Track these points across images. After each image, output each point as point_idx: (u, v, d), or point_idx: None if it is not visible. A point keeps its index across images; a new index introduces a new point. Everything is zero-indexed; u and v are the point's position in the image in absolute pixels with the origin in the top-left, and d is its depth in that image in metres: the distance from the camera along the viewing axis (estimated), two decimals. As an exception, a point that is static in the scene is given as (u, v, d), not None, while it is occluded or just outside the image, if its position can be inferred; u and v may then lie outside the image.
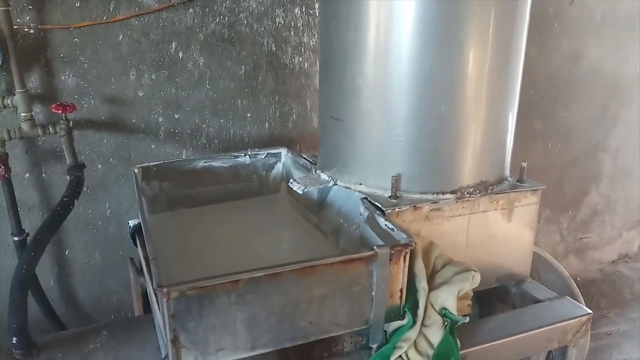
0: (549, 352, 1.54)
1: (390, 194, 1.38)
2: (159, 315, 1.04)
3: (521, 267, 1.57)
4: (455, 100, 1.36)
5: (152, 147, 1.97)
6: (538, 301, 1.49)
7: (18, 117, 1.68)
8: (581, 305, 1.49)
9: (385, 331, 1.23)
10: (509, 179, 1.55)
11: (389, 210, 1.32)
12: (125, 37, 1.86)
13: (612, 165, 3.23)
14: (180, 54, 1.94)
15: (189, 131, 2.02)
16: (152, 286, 1.12)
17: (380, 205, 1.34)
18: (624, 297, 3.29)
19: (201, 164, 1.73)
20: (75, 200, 1.52)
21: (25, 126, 1.68)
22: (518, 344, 1.35)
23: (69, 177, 1.64)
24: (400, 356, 1.15)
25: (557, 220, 3.13)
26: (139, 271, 1.61)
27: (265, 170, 1.82)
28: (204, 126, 2.04)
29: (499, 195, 1.46)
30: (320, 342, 1.28)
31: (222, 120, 2.06)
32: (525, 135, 2.75)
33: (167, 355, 1.08)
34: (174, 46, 1.93)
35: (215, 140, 2.06)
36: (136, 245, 1.59)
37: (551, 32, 2.66)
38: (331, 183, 1.51)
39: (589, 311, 1.44)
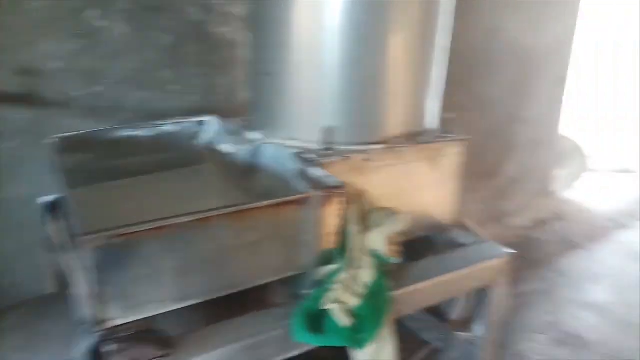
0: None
1: (321, 147, 1.34)
2: (80, 271, 0.93)
3: (447, 216, 1.58)
4: (384, 51, 1.35)
5: (70, 122, 1.80)
6: (463, 246, 1.52)
7: None
8: (502, 247, 1.53)
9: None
10: (435, 130, 1.56)
11: (321, 161, 1.28)
12: (37, 1, 1.69)
13: (524, 136, 3.39)
14: (100, 23, 1.79)
15: (109, 105, 1.87)
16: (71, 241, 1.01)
17: (311, 157, 1.30)
18: (538, 259, 3.47)
19: (123, 133, 1.61)
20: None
21: None
22: (445, 285, 1.37)
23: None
24: (333, 298, 1.11)
25: (477, 189, 3.24)
26: (52, 249, 1.46)
27: (191, 140, 1.72)
28: (126, 99, 1.90)
29: (425, 145, 1.47)
30: (252, 294, 1.24)
31: (145, 93, 1.93)
32: (446, 107, 2.82)
33: (86, 315, 0.97)
34: (93, 14, 1.78)
35: (140, 114, 1.93)
36: (48, 224, 1.44)
37: (473, 6, 2.72)
38: (262, 141, 1.45)
39: (510, 251, 1.48)
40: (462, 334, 1.59)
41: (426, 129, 1.52)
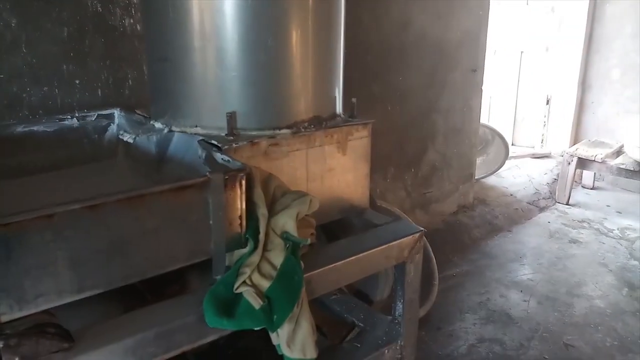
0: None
1: (226, 133, 1.36)
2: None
3: (360, 198, 1.65)
4: (282, 35, 1.39)
5: (-40, 121, 1.72)
6: (377, 226, 1.59)
7: None
8: (414, 225, 1.61)
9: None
10: (342, 115, 1.62)
11: (226, 147, 1.30)
12: None
13: (444, 125, 3.57)
14: (-12, 14, 1.72)
15: (5, 102, 1.79)
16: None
17: (216, 143, 1.32)
18: (465, 243, 3.67)
19: (20, 129, 1.55)
20: None
21: None
22: (359, 263, 1.42)
23: None
24: (245, 281, 1.13)
25: (402, 178, 3.38)
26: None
27: (98, 134, 1.69)
28: (24, 95, 1.82)
29: (332, 129, 1.52)
30: (171, 283, 1.24)
31: (45, 88, 1.86)
32: (365, 99, 2.92)
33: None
34: (-24, 5, 1.70)
35: (40, 111, 1.85)
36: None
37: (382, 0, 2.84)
38: (166, 130, 1.45)
39: (422, 229, 1.57)
40: (384, 315, 1.67)
41: (332, 113, 1.57)
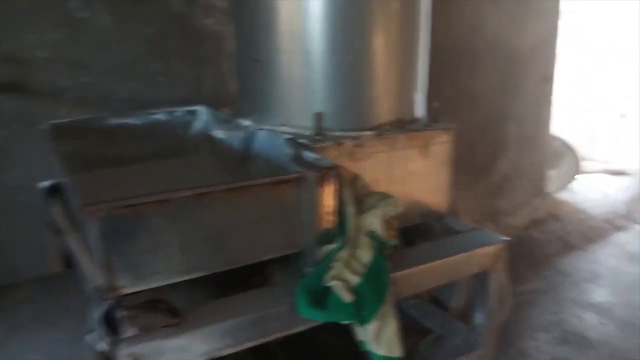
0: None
1: (313, 132, 1.48)
2: (90, 241, 1.05)
3: (440, 203, 1.73)
4: (368, 38, 1.50)
5: (60, 111, 1.92)
6: (458, 233, 1.66)
7: None
8: (498, 234, 1.67)
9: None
10: (424, 119, 1.71)
11: (314, 147, 1.42)
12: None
13: (515, 133, 3.57)
14: (83, 13, 1.92)
15: (98, 95, 1.99)
16: (78, 212, 1.12)
17: (305, 142, 1.43)
18: (537, 259, 3.64)
19: (115, 121, 1.73)
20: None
21: None
22: (442, 268, 1.49)
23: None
24: (334, 276, 1.23)
25: (471, 187, 3.41)
26: (58, 231, 1.58)
27: (183, 129, 1.85)
28: (114, 90, 2.02)
29: (415, 133, 1.61)
30: (253, 274, 1.36)
31: (133, 84, 2.05)
32: (435, 99, 2.98)
33: (97, 285, 1.09)
34: (75, 4, 1.91)
35: (128, 105, 2.05)
36: (49, 208, 1.57)
37: (453, 3, 2.91)
38: (253, 128, 1.58)
39: (507, 238, 1.62)
40: (463, 323, 1.72)
41: (414, 117, 1.66)
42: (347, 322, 1.23)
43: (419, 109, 1.70)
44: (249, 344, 1.18)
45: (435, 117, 1.70)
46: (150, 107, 2.04)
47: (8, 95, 1.84)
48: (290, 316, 1.21)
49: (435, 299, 1.87)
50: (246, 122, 1.61)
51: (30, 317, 1.31)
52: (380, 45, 1.53)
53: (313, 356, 1.67)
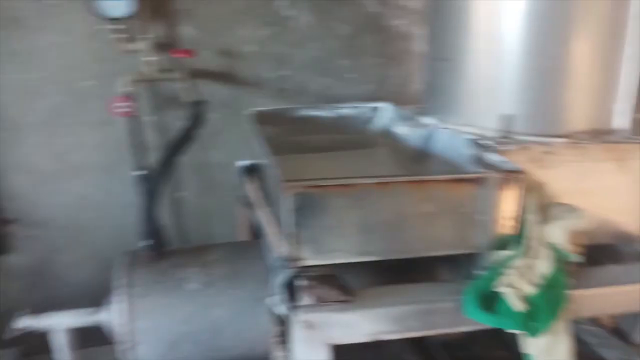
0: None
1: (498, 134, 1.45)
2: (281, 213, 1.18)
3: (634, 225, 1.56)
4: (569, 42, 1.42)
5: (260, 100, 2.17)
6: (652, 260, 1.49)
7: (145, 61, 1.95)
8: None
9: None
10: (624, 131, 1.56)
11: (498, 148, 1.39)
12: (239, -8, 2.08)
13: None
14: (288, 12, 2.13)
15: (294, 88, 2.20)
16: (275, 188, 1.26)
17: (490, 143, 1.41)
18: None
19: (307, 112, 1.90)
20: (197, 129, 1.74)
21: (149, 70, 1.95)
22: (630, 295, 1.36)
23: (190, 111, 1.88)
24: (507, 283, 1.20)
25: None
26: (249, 205, 1.80)
27: (367, 124, 1.95)
28: (308, 84, 2.21)
29: (613, 145, 1.48)
30: (421, 267, 1.40)
31: (326, 79, 2.22)
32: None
33: (283, 254, 1.23)
34: (282, 4, 2.12)
35: (318, 99, 2.23)
36: (245, 184, 1.79)
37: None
38: (436, 126, 1.60)
39: None
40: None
41: (614, 128, 1.53)
42: (514, 330, 1.19)
43: (621, 120, 1.55)
44: (412, 334, 1.21)
45: (637, 130, 1.55)
46: (339, 102, 2.20)
47: (221, 83, 2.13)
48: (455, 314, 1.21)
49: (617, 329, 1.70)
50: (428, 120, 1.64)
51: (221, 276, 1.51)
52: (582, 50, 1.43)
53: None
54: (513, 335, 1.21)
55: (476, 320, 1.21)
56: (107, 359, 1.96)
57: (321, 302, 1.16)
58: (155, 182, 1.50)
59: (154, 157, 2.11)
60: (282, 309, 1.20)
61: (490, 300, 1.20)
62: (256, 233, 1.72)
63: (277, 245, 1.32)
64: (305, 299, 1.16)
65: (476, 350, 1.73)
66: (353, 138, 1.93)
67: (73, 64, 2.02)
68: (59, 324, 1.62)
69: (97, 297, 1.66)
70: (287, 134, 1.88)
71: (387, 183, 1.17)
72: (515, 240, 1.25)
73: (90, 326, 1.61)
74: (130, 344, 1.46)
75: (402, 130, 1.70)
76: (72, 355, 1.71)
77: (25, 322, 1.59)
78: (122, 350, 1.46)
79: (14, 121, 2.05)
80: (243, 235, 1.91)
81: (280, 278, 1.18)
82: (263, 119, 1.84)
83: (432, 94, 1.70)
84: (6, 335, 1.56)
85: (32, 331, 1.61)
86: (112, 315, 1.50)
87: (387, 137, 1.89)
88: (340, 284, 1.17)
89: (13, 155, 2.09)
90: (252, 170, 1.78)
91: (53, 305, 1.66)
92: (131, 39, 1.96)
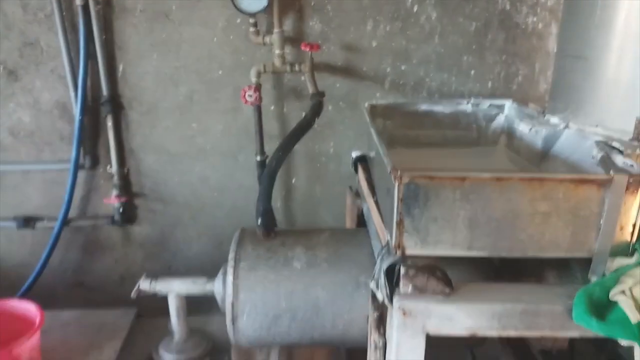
0: None
1: (632, 137, 1.35)
2: (389, 202, 1.20)
3: None
4: None
5: (377, 94, 2.20)
6: None
7: (272, 54, 2.06)
8: None
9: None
10: None
11: (630, 152, 1.30)
12: (366, -13, 2.12)
13: None
14: (415, 7, 2.13)
15: (412, 83, 2.20)
16: (388, 176, 1.29)
17: (618, 146, 1.32)
18: None
19: (424, 107, 1.89)
20: (316, 118, 1.82)
21: (277, 62, 2.06)
22: None
23: (312, 101, 1.96)
24: (623, 291, 1.12)
25: None
26: (357, 195, 1.84)
27: (486, 121, 1.90)
28: (427, 79, 2.20)
29: None
30: (526, 270, 1.34)
31: (445, 75, 2.19)
32: None
33: (387, 241, 1.25)
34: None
35: (436, 95, 2.21)
36: (357, 173, 1.83)
37: None
38: (562, 125, 1.53)
39: None
40: None
41: None
42: (627, 341, 1.11)
43: None
44: (513, 333, 1.17)
45: None
46: (458, 98, 2.17)
47: (341, 76, 2.19)
48: (562, 318, 1.14)
49: None
50: (554, 119, 1.57)
51: (325, 258, 1.57)
52: None
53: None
54: (619, 347, 1.13)
55: (585, 327, 1.13)
56: (215, 327, 2.13)
57: (420, 292, 1.16)
58: (273, 166, 1.60)
59: (273, 144, 2.24)
60: (382, 295, 1.22)
61: (602, 309, 1.13)
62: (362, 222, 1.76)
63: (382, 233, 1.35)
64: (406, 287, 1.17)
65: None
66: (470, 135, 1.89)
67: (209, 55, 2.19)
68: (175, 290, 1.79)
69: (210, 271, 1.81)
70: (402, 127, 1.89)
71: (502, 179, 1.14)
72: (637, 247, 1.16)
73: (202, 295, 1.76)
74: (234, 314, 1.56)
75: (524, 128, 1.63)
76: (184, 319, 1.87)
77: (147, 285, 1.78)
78: (228, 320, 1.57)
79: (152, 105, 2.27)
80: (349, 224, 1.96)
81: (383, 265, 1.20)
82: (379, 112, 1.88)
83: (559, 92, 1.62)
84: (132, 295, 1.74)
85: (152, 294, 1.79)
86: (221, 287, 1.62)
87: (507, 136, 1.83)
88: (442, 275, 1.17)
89: (148, 136, 2.32)
90: (363, 161, 1.82)
91: (170, 275, 1.84)
92: (263, 32, 2.10)
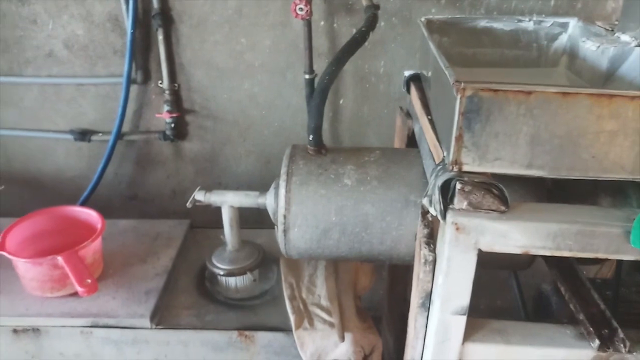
0: None
1: None
2: (450, 116, 1.17)
3: None
4: None
5: (433, 10, 2.10)
6: None
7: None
8: None
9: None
10: None
11: None
12: None
13: None
14: None
15: (467, 1, 2.09)
16: (449, 88, 1.25)
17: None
18: None
19: (482, 23, 1.79)
20: (371, 32, 1.76)
21: (331, -26, 1.98)
22: None
23: (366, 14, 1.89)
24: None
25: None
26: (407, 115, 1.81)
27: (547, 41, 1.80)
28: (487, -5, 2.09)
29: None
30: (581, 195, 1.32)
31: (506, -9, 2.07)
32: None
33: (443, 158, 1.23)
34: None
35: (495, 12, 2.10)
36: (409, 93, 1.79)
37: None
38: (633, 43, 1.43)
39: None
40: None
41: None
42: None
43: None
44: (567, 253, 1.16)
45: None
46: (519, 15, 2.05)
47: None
48: (619, 241, 1.13)
49: None
50: (625, 37, 1.47)
51: (375, 176, 1.57)
52: None
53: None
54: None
55: (642, 251, 1.12)
56: (265, 239, 2.20)
57: (474, 208, 1.16)
58: (326, 81, 1.57)
59: (322, 63, 2.20)
60: (436, 211, 1.23)
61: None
62: (411, 143, 1.74)
63: (437, 152, 1.33)
64: (461, 203, 1.16)
65: (622, 292, 1.62)
66: (530, 55, 1.79)
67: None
68: (229, 201, 1.84)
69: (257, 187, 1.85)
70: (458, 45, 1.81)
71: (568, 93, 1.09)
72: None
73: (254, 207, 1.81)
74: (286, 226, 1.60)
75: (590, 46, 1.54)
76: (237, 230, 1.94)
77: (201, 197, 1.83)
78: (280, 231, 1.62)
79: (201, 18, 2.24)
80: (398, 144, 1.95)
81: (438, 180, 1.19)
82: (435, 28, 1.79)
83: (632, 9, 1.50)
84: (188, 205, 1.81)
85: (206, 204, 1.85)
86: (273, 200, 1.66)
87: (569, 57, 1.73)
88: (499, 193, 1.15)
89: (196, 50, 2.31)
90: (416, 80, 1.78)
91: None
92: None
